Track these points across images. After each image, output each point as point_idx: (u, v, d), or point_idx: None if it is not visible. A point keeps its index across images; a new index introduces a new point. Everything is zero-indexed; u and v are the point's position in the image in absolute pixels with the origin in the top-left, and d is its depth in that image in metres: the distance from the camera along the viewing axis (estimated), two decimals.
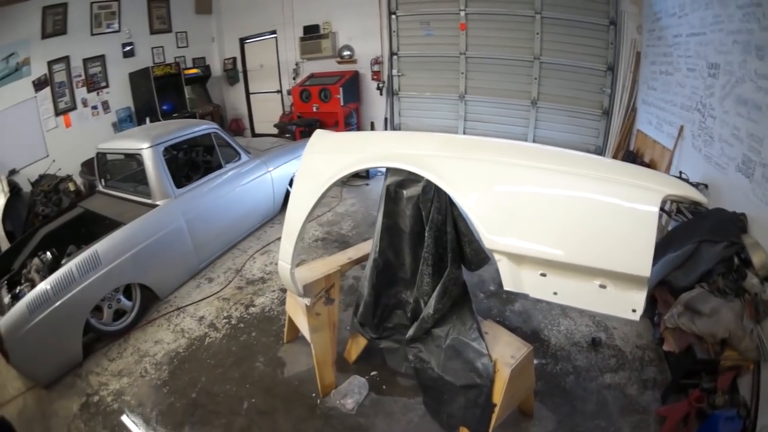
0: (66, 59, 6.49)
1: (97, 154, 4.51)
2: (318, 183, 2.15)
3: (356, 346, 2.97)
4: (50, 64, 6.29)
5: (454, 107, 7.10)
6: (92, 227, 4.02)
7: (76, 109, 6.75)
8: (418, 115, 7.53)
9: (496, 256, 1.59)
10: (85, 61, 6.77)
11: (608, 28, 5.61)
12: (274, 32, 8.48)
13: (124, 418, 2.76)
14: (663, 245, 2.92)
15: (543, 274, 1.51)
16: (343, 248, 3.14)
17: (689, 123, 3.51)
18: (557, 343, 3.15)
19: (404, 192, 2.26)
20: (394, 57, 7.32)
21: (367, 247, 2.80)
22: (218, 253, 4.68)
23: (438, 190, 2.03)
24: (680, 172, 3.46)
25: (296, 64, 8.33)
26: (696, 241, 2.60)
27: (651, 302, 2.90)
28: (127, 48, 7.42)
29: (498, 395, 2.05)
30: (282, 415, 2.69)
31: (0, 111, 5.78)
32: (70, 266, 3.13)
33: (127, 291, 3.67)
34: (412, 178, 2.18)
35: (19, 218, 4.96)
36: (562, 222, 1.51)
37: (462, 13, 6.50)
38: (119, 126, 7.29)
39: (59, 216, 4.22)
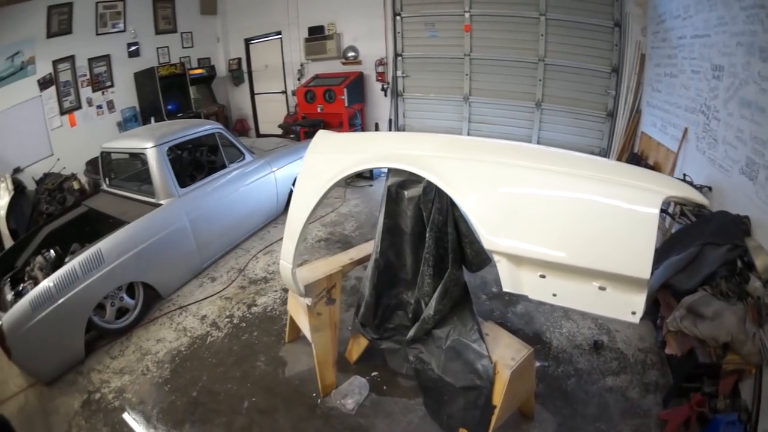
0: (71, 59, 6.53)
1: (102, 153, 4.53)
2: (319, 183, 2.15)
3: (357, 347, 2.97)
4: (55, 63, 6.33)
5: (459, 109, 7.09)
6: (96, 226, 4.04)
7: (81, 109, 6.79)
8: (422, 117, 7.53)
9: (495, 257, 1.58)
10: (90, 60, 6.81)
11: (613, 30, 5.60)
12: (279, 33, 8.51)
13: (125, 416, 2.77)
14: (666, 248, 2.90)
15: (542, 276, 1.51)
16: (346, 249, 3.15)
17: (693, 125, 3.49)
18: (559, 346, 3.14)
19: (405, 193, 2.26)
20: (399, 58, 7.33)
21: (369, 248, 2.80)
22: (221, 253, 4.70)
23: (439, 191, 2.04)
24: (684, 175, 3.44)
25: (301, 65, 8.36)
26: (699, 244, 2.58)
27: (654, 305, 2.89)
28: (132, 48, 7.45)
29: (498, 397, 2.04)
30: (282, 414, 2.69)
31: (5, 110, 5.81)
32: (73, 264, 3.15)
33: (130, 289, 3.68)
34: (413, 179, 2.18)
35: (23, 216, 4.99)
36: (562, 223, 1.51)
37: (467, 15, 6.50)
38: (124, 125, 7.33)
39: (63, 214, 4.25)
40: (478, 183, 1.70)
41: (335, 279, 2.68)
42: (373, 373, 2.91)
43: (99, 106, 7.05)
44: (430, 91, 7.28)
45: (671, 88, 4.05)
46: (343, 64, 7.81)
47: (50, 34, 6.23)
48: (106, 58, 7.04)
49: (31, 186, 5.61)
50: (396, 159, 1.92)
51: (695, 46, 3.47)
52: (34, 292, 2.92)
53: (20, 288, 3.18)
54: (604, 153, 6.01)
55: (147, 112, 7.42)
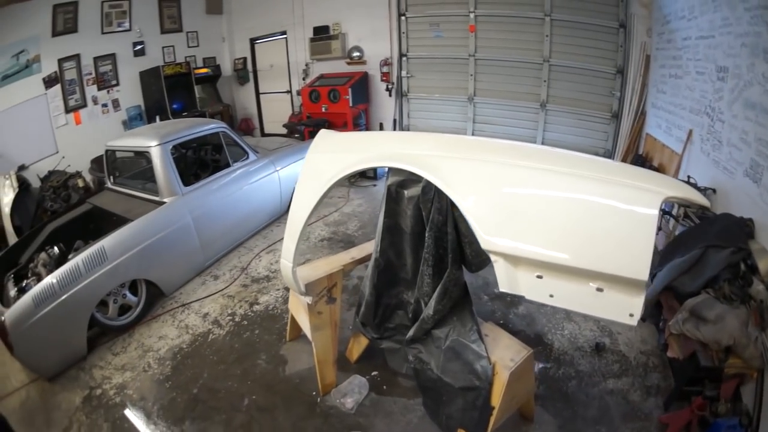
0: (77, 57, 6.59)
1: (107, 151, 4.56)
2: (320, 183, 2.15)
3: (358, 346, 2.97)
4: (61, 61, 6.39)
5: (463, 109, 7.08)
6: (100, 223, 4.07)
7: (86, 107, 6.85)
8: (426, 117, 7.53)
9: (493, 257, 1.57)
10: (96, 59, 6.87)
11: (618, 31, 5.56)
12: (284, 33, 8.54)
13: (126, 412, 2.79)
14: (670, 250, 2.89)
15: (539, 276, 1.49)
16: (349, 248, 3.15)
17: (698, 127, 3.47)
18: (560, 348, 3.12)
19: (405, 192, 2.26)
20: (404, 58, 7.33)
21: (371, 247, 2.80)
22: (224, 251, 4.72)
23: (438, 191, 2.03)
24: (688, 177, 3.42)
25: (306, 65, 8.38)
26: (702, 247, 2.56)
27: (656, 308, 2.87)
28: (138, 47, 7.51)
29: (496, 398, 2.03)
30: (282, 412, 2.70)
31: (10, 107, 5.87)
32: (76, 261, 3.17)
33: (133, 287, 3.70)
34: (413, 178, 2.18)
35: (28, 213, 5.02)
36: (560, 223, 1.49)
37: (471, 15, 6.49)
38: (129, 124, 7.39)
39: (68, 212, 4.28)
40: (475, 182, 1.69)
41: (336, 278, 2.69)
42: (373, 373, 2.91)
43: (104, 105, 7.10)
44: (434, 91, 7.28)
45: (676, 90, 4.03)
46: (348, 64, 7.82)
47: (55, 33, 6.29)
48: (112, 57, 7.10)
49: (35, 183, 5.64)
50: (395, 158, 1.92)
51: (700, 48, 3.45)
52: (37, 289, 2.94)
53: (23, 284, 3.20)
54: (609, 154, 5.98)
55: (152, 110, 7.46)
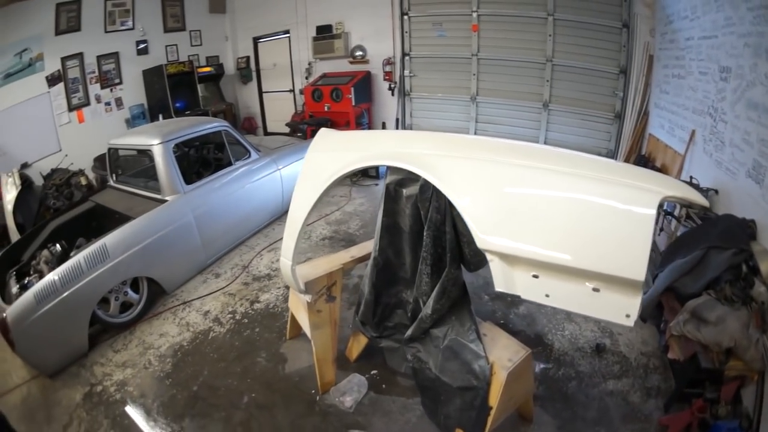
0: (80, 56, 6.60)
1: (109, 149, 4.58)
2: (319, 181, 2.16)
3: (357, 345, 2.97)
4: (64, 60, 6.40)
5: (466, 108, 7.07)
6: (102, 221, 4.09)
7: (89, 105, 6.86)
8: (429, 116, 7.52)
9: (488, 256, 1.57)
10: (99, 57, 6.88)
11: (621, 31, 5.54)
12: (287, 32, 8.54)
13: (126, 409, 2.80)
14: (671, 251, 2.87)
15: (535, 276, 1.48)
16: (349, 247, 3.15)
17: (701, 127, 3.45)
18: (561, 348, 3.11)
19: (404, 191, 2.26)
20: (406, 58, 7.33)
21: (371, 246, 2.79)
22: (226, 249, 4.73)
23: (437, 190, 2.03)
24: (691, 177, 3.40)
25: (309, 64, 8.38)
26: (704, 248, 2.54)
27: (658, 309, 2.85)
28: (141, 46, 7.52)
29: (494, 398, 2.03)
30: (281, 410, 2.70)
31: (13, 105, 5.88)
32: (78, 258, 3.18)
33: (135, 284, 3.72)
34: (411, 177, 2.18)
35: (30, 211, 5.05)
36: (556, 223, 1.49)
37: (474, 15, 6.47)
38: (132, 122, 7.40)
39: (70, 209, 4.30)
40: (472, 181, 1.68)
41: (336, 276, 2.69)
42: (372, 372, 2.91)
43: (107, 103, 7.12)
44: (437, 90, 7.27)
45: (679, 90, 4.00)
46: (351, 63, 7.82)
47: (59, 32, 6.30)
48: (115, 56, 7.11)
49: (38, 181, 5.67)
50: (392, 157, 1.92)
51: (703, 48, 3.43)
52: (38, 285, 2.96)
53: (25, 281, 3.22)
54: (612, 155, 5.96)
55: (155, 109, 7.47)
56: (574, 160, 1.63)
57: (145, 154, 4.29)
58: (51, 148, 6.31)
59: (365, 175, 6.83)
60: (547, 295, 1.48)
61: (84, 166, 6.14)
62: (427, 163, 1.77)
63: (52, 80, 6.29)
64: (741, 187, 2.75)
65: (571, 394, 2.71)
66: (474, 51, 6.67)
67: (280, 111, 9.17)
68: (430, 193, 2.13)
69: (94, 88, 6.90)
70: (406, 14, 7.08)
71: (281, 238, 4.93)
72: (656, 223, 3.55)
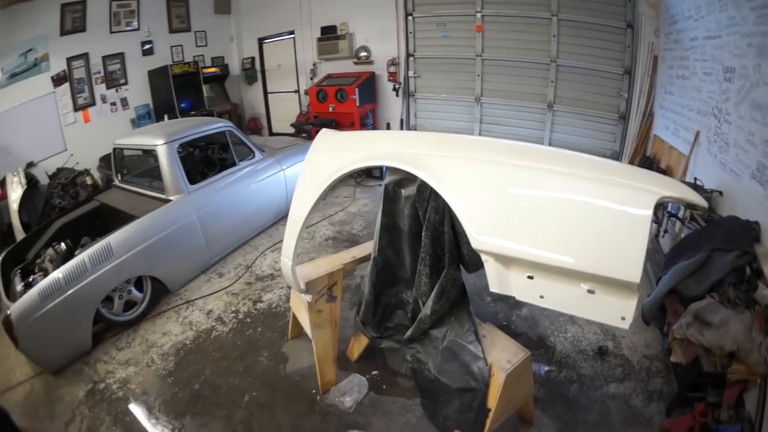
0: (85, 56, 6.64)
1: (114, 149, 4.62)
2: (320, 181, 2.16)
3: (359, 345, 2.97)
4: (69, 60, 6.43)
5: (470, 109, 7.05)
6: (107, 220, 4.13)
7: (95, 105, 6.90)
8: (433, 117, 7.50)
9: (483, 257, 1.56)
10: (104, 58, 6.92)
11: (625, 31, 5.50)
12: (292, 32, 8.55)
13: (128, 406, 2.82)
14: (675, 253, 2.85)
15: (530, 277, 1.48)
16: (352, 247, 3.16)
17: (705, 128, 3.42)
18: (563, 350, 3.10)
19: (402, 191, 2.26)
20: (411, 58, 7.32)
21: (372, 246, 2.80)
22: (230, 249, 4.75)
23: (435, 190, 2.03)
24: (695, 179, 3.38)
25: (314, 65, 8.39)
26: (708, 250, 2.52)
27: (661, 311, 2.83)
28: (147, 46, 7.55)
29: (492, 400, 2.02)
30: (281, 409, 2.71)
31: (18, 105, 5.92)
32: (82, 257, 3.21)
33: (139, 283, 3.75)
34: (410, 177, 2.18)
35: (36, 210, 5.10)
36: (551, 223, 1.47)
37: (478, 15, 6.45)
38: (138, 122, 7.44)
39: (75, 209, 4.34)
40: (467, 181, 1.68)
41: (336, 277, 2.69)
42: (373, 372, 2.91)
43: (113, 103, 7.16)
44: (441, 91, 7.25)
45: (683, 91, 3.97)
46: (355, 63, 7.82)
47: (64, 32, 6.33)
48: (120, 56, 7.14)
49: (44, 180, 5.72)
50: (390, 157, 1.92)
51: (707, 48, 3.40)
52: (43, 283, 2.99)
53: (30, 279, 3.25)
54: (617, 156, 5.92)
55: (161, 109, 7.51)
56: (571, 160, 1.62)
57: (150, 154, 4.32)
58: (56, 148, 6.35)
59: (369, 175, 6.83)
60: (541, 297, 1.47)
61: (89, 165, 6.18)
62: (423, 163, 1.77)
63: (57, 80, 6.33)
64: (745, 189, 2.72)
65: (572, 397, 2.69)
66: (478, 52, 6.65)
67: (285, 111, 9.18)
68: (427, 194, 2.13)
69: (100, 89, 6.94)
70: (411, 15, 7.07)
71: None
72: (660, 225, 3.54)
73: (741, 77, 2.79)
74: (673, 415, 2.46)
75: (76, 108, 6.64)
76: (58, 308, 3.00)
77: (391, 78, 7.50)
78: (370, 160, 2.05)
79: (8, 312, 2.83)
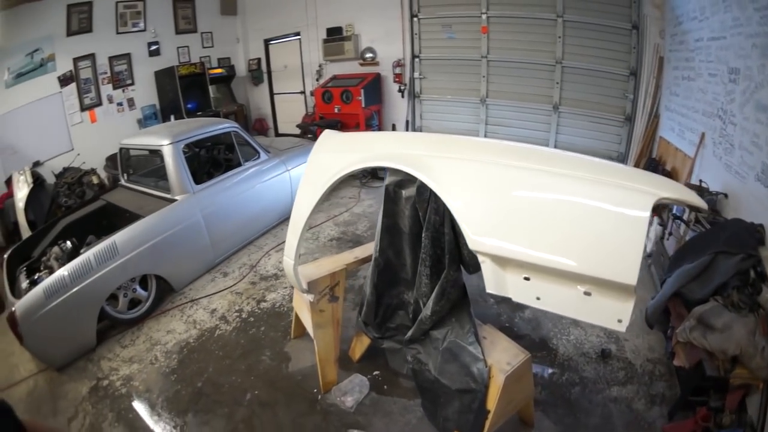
0: (92, 56, 6.70)
1: (121, 149, 4.67)
2: (322, 181, 2.17)
3: (361, 345, 2.98)
4: (75, 60, 6.50)
5: (475, 111, 7.05)
6: (113, 219, 4.16)
7: (101, 105, 6.96)
8: (439, 118, 7.51)
9: (480, 258, 1.56)
10: (111, 58, 6.98)
11: (630, 33, 5.48)
12: (298, 34, 8.60)
13: (131, 403, 2.85)
14: (679, 256, 2.83)
15: (527, 278, 1.47)
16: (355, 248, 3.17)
17: (710, 130, 3.39)
18: (565, 353, 3.08)
19: (403, 192, 2.26)
20: (416, 59, 7.33)
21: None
22: (234, 249, 4.78)
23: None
24: (700, 181, 3.35)
25: (319, 66, 8.43)
26: (712, 253, 2.50)
27: (665, 315, 2.81)
28: (153, 47, 7.62)
29: (492, 402, 2.01)
30: (282, 408, 2.72)
31: (25, 105, 5.98)
32: (88, 255, 3.24)
33: (144, 281, 3.78)
34: (410, 178, 2.18)
35: (42, 208, 5.15)
36: (548, 225, 1.47)
37: (484, 17, 6.45)
38: (144, 123, 7.51)
39: (81, 207, 4.38)
40: (465, 182, 1.68)
41: (339, 277, 2.70)
42: (374, 372, 2.91)
43: (119, 104, 7.23)
44: (447, 92, 7.25)
45: (689, 92, 3.95)
46: (361, 65, 7.84)
47: (70, 33, 6.40)
48: (127, 57, 7.21)
49: (50, 179, 5.78)
50: (390, 158, 1.92)
51: (712, 49, 3.38)
52: (48, 281, 3.02)
53: (35, 277, 3.29)
54: (622, 158, 5.89)
55: (167, 110, 7.57)
56: (569, 161, 1.61)
57: (156, 154, 4.36)
58: (63, 147, 6.41)
59: (374, 176, 6.84)
60: (538, 298, 1.46)
61: (96, 165, 6.25)
62: (422, 164, 1.77)
63: (64, 80, 6.39)
64: (750, 191, 2.70)
65: (574, 400, 2.67)
66: (483, 53, 6.65)
67: (291, 112, 9.23)
68: (427, 195, 2.14)
69: (106, 89, 7.00)
70: (416, 16, 7.09)
71: None
72: (665, 227, 3.52)
73: (746, 78, 2.77)
74: (675, 419, 2.44)
75: (83, 108, 6.71)
76: (63, 306, 3.03)
77: (397, 79, 7.51)
78: (371, 161, 2.05)
79: (13, 309, 2.86)
